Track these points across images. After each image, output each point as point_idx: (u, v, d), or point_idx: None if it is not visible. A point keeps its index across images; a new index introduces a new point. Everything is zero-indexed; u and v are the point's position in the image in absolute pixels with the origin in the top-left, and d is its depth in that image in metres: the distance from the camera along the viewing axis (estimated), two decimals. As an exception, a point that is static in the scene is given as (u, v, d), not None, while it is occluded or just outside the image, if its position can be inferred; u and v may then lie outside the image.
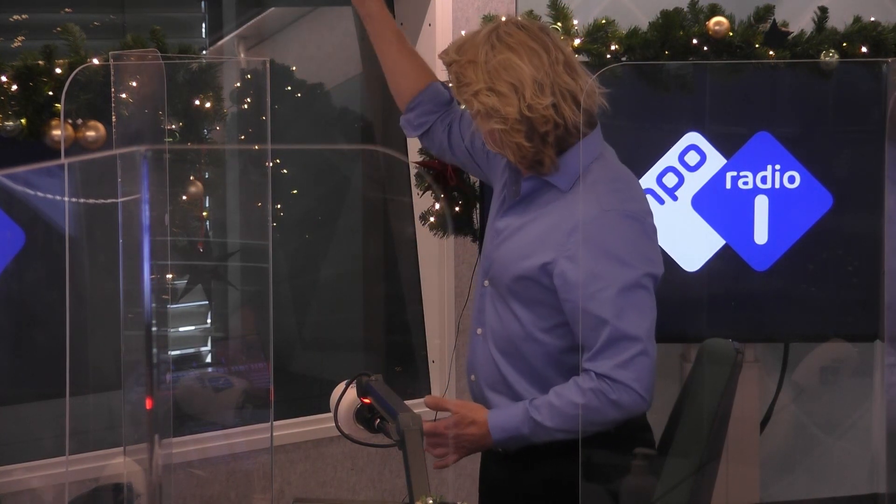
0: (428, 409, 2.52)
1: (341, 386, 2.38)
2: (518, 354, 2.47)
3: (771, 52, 3.32)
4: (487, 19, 3.37)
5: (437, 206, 3.43)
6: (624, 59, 3.29)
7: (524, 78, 2.35)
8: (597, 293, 2.33)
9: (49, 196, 2.06)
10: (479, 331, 2.55)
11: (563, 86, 2.37)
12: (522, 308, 2.45)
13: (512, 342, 2.47)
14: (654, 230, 2.46)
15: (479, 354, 2.55)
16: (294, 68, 3.78)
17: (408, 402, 2.18)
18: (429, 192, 3.48)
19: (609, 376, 2.33)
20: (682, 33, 3.33)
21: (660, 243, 3.23)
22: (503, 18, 2.50)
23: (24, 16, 3.37)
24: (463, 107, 2.70)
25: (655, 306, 2.39)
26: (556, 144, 2.39)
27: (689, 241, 3.36)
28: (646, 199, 2.53)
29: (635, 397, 2.34)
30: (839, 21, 3.38)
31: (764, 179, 3.36)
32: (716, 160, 3.37)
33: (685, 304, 3.30)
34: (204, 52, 3.60)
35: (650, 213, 2.47)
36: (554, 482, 2.43)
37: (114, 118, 2.42)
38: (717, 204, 3.36)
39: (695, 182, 3.37)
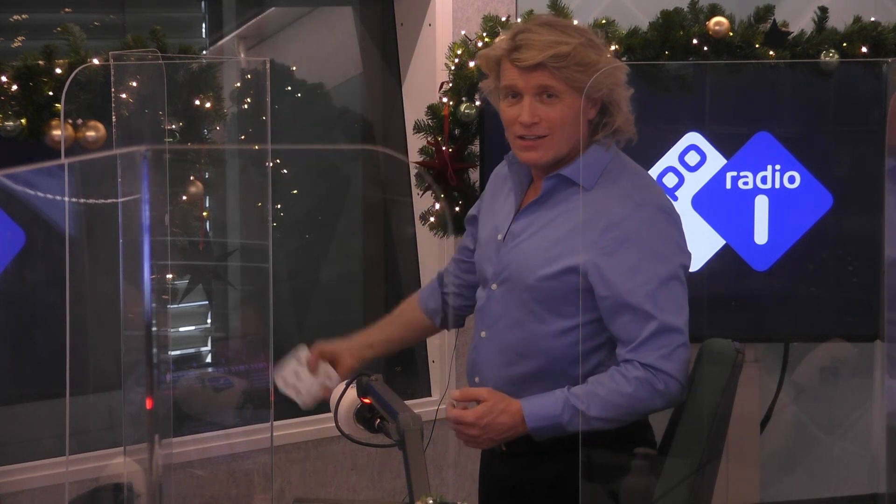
0: (457, 402, 2.49)
1: (341, 386, 2.38)
2: (536, 354, 2.47)
3: (771, 53, 3.32)
4: (488, 20, 3.37)
5: (438, 206, 3.43)
6: (624, 59, 3.29)
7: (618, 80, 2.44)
8: (639, 287, 2.37)
9: (49, 196, 2.05)
10: (482, 334, 2.55)
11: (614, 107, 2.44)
12: (544, 309, 2.45)
13: (532, 343, 2.47)
14: (680, 220, 2.51)
15: (483, 357, 2.55)
16: (294, 68, 3.78)
17: (408, 402, 2.18)
18: (429, 193, 3.48)
19: (655, 366, 2.36)
20: (682, 33, 3.33)
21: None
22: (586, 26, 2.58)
23: (24, 16, 3.37)
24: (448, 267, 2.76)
25: (688, 298, 2.44)
26: (585, 136, 2.44)
27: (690, 242, 3.35)
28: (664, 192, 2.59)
29: (678, 387, 2.39)
30: (839, 21, 3.38)
31: (764, 179, 3.36)
32: (716, 160, 3.37)
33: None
34: (204, 52, 3.60)
35: (674, 205, 2.52)
36: (557, 480, 2.43)
37: (114, 118, 2.42)
38: (717, 204, 3.36)
39: (695, 182, 3.37)
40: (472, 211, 2.72)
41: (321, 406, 2.53)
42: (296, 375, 2.57)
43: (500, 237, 2.53)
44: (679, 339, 2.38)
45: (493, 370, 2.52)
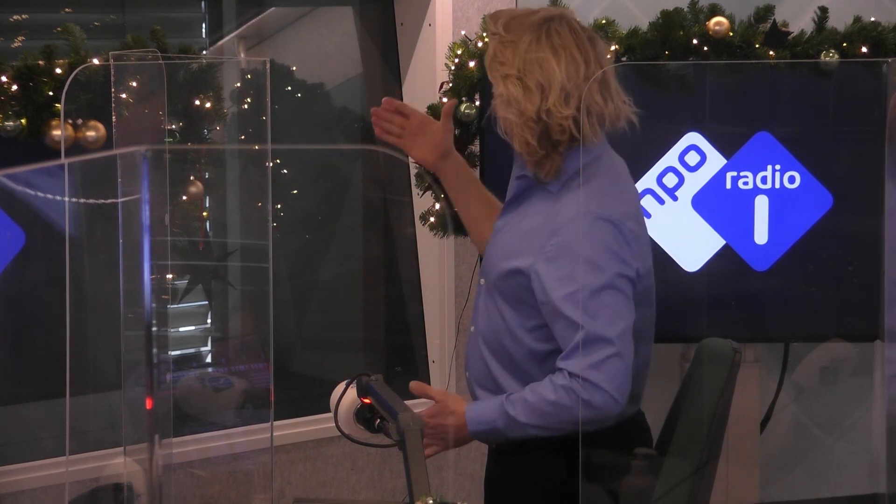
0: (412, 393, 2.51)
1: (341, 386, 2.38)
2: (503, 352, 2.48)
3: (771, 53, 3.32)
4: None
5: (437, 206, 3.42)
6: (624, 59, 3.29)
7: (554, 82, 2.34)
8: (571, 295, 2.34)
9: (49, 196, 2.05)
10: (472, 328, 2.57)
11: (592, 104, 2.36)
12: (507, 306, 2.46)
13: (498, 339, 2.48)
14: (632, 233, 2.41)
15: (471, 351, 2.56)
16: (294, 68, 3.78)
17: (408, 403, 2.18)
18: (429, 193, 3.48)
19: (580, 376, 2.33)
20: (682, 33, 3.32)
21: (660, 243, 3.24)
22: (561, 12, 2.46)
23: (24, 16, 3.37)
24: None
25: (633, 308, 2.38)
26: (564, 154, 2.39)
27: (689, 242, 3.36)
28: (634, 202, 2.51)
29: (607, 398, 2.33)
30: (839, 21, 3.38)
31: (764, 179, 3.36)
32: (716, 160, 3.37)
33: (685, 304, 3.30)
34: (204, 52, 3.60)
35: (633, 217, 2.44)
36: (545, 478, 2.43)
37: (114, 118, 2.42)
38: (717, 204, 3.36)
39: (695, 182, 3.37)
40: None
41: (321, 406, 2.53)
42: None
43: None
44: (609, 349, 2.32)
45: (477, 365, 2.54)
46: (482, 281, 2.55)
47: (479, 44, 3.33)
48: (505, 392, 2.45)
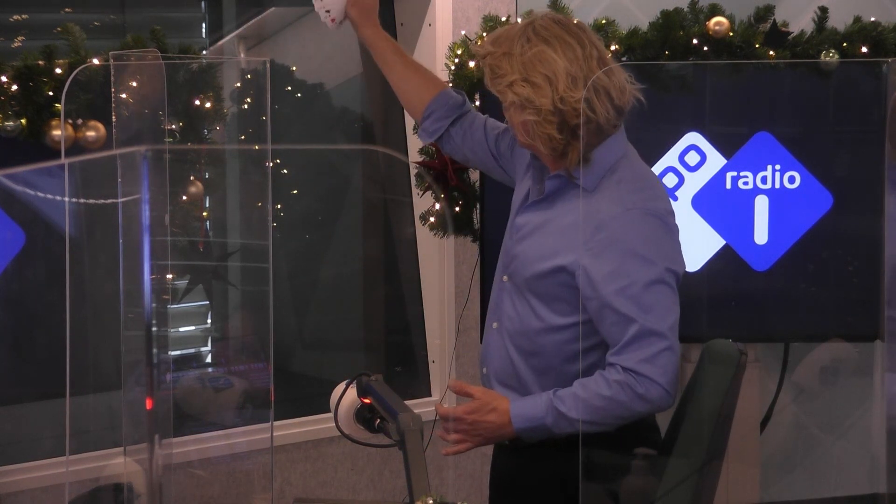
0: (449, 392, 2.53)
1: (341, 386, 2.38)
2: (533, 350, 2.48)
3: (771, 53, 3.32)
4: (488, 20, 3.37)
5: (438, 206, 3.42)
6: (624, 59, 3.29)
7: (558, 70, 2.38)
8: (622, 290, 2.36)
9: (49, 196, 2.05)
10: (494, 325, 2.57)
11: (597, 82, 2.39)
12: (541, 304, 2.47)
13: (528, 337, 2.49)
14: (676, 229, 2.48)
15: (492, 348, 2.57)
16: (294, 68, 3.78)
17: (408, 402, 2.18)
18: (429, 193, 3.48)
19: (635, 370, 2.35)
20: (682, 33, 3.32)
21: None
22: (539, 14, 2.52)
23: (24, 16, 3.37)
24: (480, 114, 2.77)
25: (678, 303, 2.41)
26: (588, 138, 2.41)
27: (690, 242, 3.33)
28: (668, 198, 2.55)
29: (661, 392, 2.36)
30: (839, 21, 3.38)
31: (764, 179, 3.36)
32: (716, 160, 3.37)
33: (685, 304, 3.28)
34: (204, 52, 3.60)
35: (672, 213, 2.49)
36: (562, 476, 2.43)
37: (114, 118, 2.41)
38: (717, 204, 3.36)
39: (695, 182, 3.37)
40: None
41: (321, 406, 2.53)
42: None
43: (510, 229, 2.56)
44: (662, 343, 2.36)
45: (500, 362, 2.54)
46: (505, 278, 2.56)
47: (479, 43, 3.33)
48: (529, 390, 2.46)
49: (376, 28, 2.79)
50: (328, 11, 2.75)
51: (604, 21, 3.32)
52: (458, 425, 2.44)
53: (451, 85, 3.36)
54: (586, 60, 2.39)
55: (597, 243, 2.38)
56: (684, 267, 2.47)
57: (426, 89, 2.79)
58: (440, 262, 3.75)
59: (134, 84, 2.45)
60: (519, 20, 3.36)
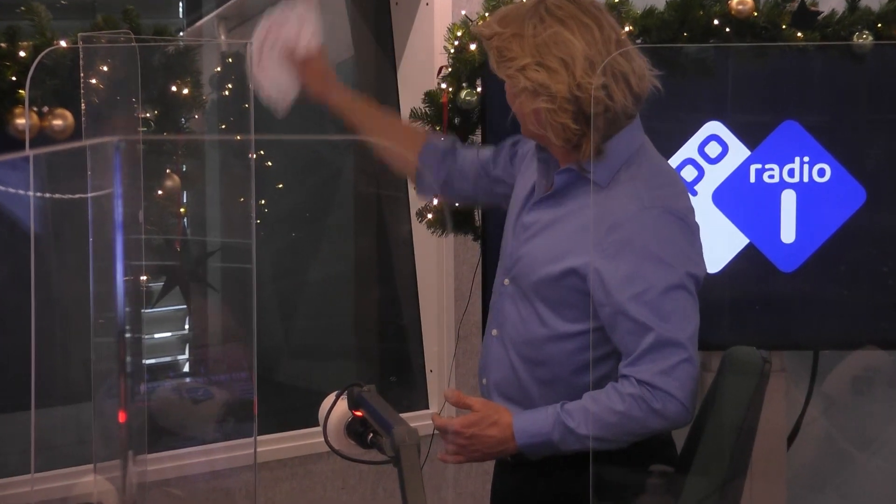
0: (448, 404, 2.53)
1: (331, 397, 2.38)
2: (538, 360, 2.47)
3: (799, 34, 3.33)
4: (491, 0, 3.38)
5: (435, 201, 3.43)
6: (639, 41, 3.29)
7: (576, 54, 2.35)
8: (638, 296, 2.34)
9: (12, 190, 2.05)
10: (494, 332, 2.56)
11: (616, 66, 2.37)
12: (548, 310, 2.45)
13: (533, 346, 2.48)
14: (697, 228, 2.46)
15: (493, 357, 2.56)
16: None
17: (404, 415, 2.18)
18: (426, 187, 3.48)
19: (651, 383, 2.33)
20: (701, 14, 3.33)
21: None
22: None
23: (-15, -6, 3.37)
24: (471, 150, 2.78)
25: (698, 310, 2.40)
26: (603, 128, 2.40)
27: (710, 240, 3.32)
28: (688, 195, 2.53)
29: (679, 407, 2.34)
30: (873, 0, 3.38)
31: (791, 172, 3.36)
32: (739, 152, 3.37)
33: (706, 308, 3.27)
34: (181, 33, 3.60)
35: (693, 211, 2.47)
36: (569, 495, 2.43)
37: (83, 106, 2.41)
38: (740, 199, 3.37)
39: (716, 175, 3.37)
40: (512, 141, 2.71)
41: (309, 419, 2.53)
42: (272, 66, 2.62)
43: (515, 228, 2.55)
44: (681, 353, 2.33)
45: (500, 372, 2.53)
46: (507, 282, 2.54)
47: (483, 23, 3.33)
48: (533, 402, 2.45)
49: (340, 92, 2.77)
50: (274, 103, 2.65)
51: (617, 0, 3.32)
52: (456, 439, 2.43)
53: (449, 69, 3.36)
54: (605, 43, 2.37)
55: (611, 244, 2.37)
56: (705, 270, 2.46)
57: (410, 144, 2.80)
58: (438, 262, 3.75)
59: (105, 68, 2.45)
60: (523, -1, 3.37)
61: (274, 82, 2.60)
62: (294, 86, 2.62)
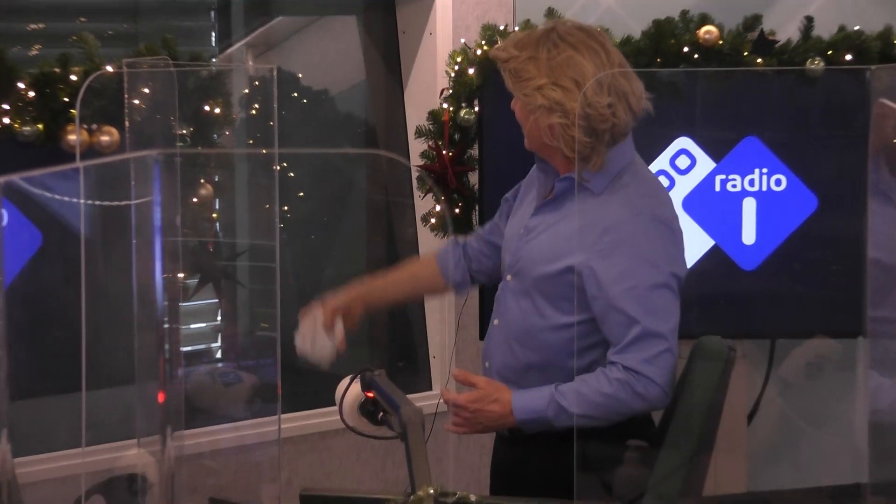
0: (456, 382, 2.54)
1: (346, 380, 2.37)
2: (535, 346, 2.48)
3: (759, 60, 3.32)
4: (486, 29, 3.37)
5: (438, 207, 3.42)
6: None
7: (587, 75, 2.37)
8: (628, 291, 2.35)
9: (65, 198, 2.05)
10: (496, 322, 2.57)
11: (619, 87, 2.38)
12: (546, 303, 2.46)
13: (531, 334, 2.48)
14: (680, 233, 2.48)
15: (494, 344, 2.57)
16: (300, 75, 3.78)
17: (410, 396, 2.18)
18: (430, 195, 3.48)
19: (636, 370, 2.34)
20: (673, 42, 3.32)
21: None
22: (558, 20, 2.54)
23: (40, 25, 3.37)
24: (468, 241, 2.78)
25: (679, 306, 2.40)
26: (608, 143, 2.41)
27: (680, 242, 3.36)
28: (672, 204, 2.54)
29: (659, 392, 2.36)
30: (824, 30, 3.38)
31: (752, 182, 3.36)
32: (705, 164, 3.37)
33: (676, 302, 3.30)
34: (213, 59, 3.60)
35: (677, 218, 2.49)
36: (560, 466, 2.43)
37: (127, 123, 2.41)
38: (706, 206, 3.36)
39: (685, 185, 3.36)
40: (507, 195, 2.72)
41: (327, 400, 2.53)
42: (312, 338, 2.61)
43: (521, 231, 2.54)
44: (663, 344, 2.35)
45: (501, 357, 2.53)
46: (509, 278, 2.55)
47: (479, 52, 3.33)
48: (528, 383, 2.45)
49: (368, 304, 2.80)
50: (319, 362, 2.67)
51: (600, 29, 3.31)
52: (461, 412, 2.44)
53: (450, 90, 3.36)
54: (610, 66, 2.39)
55: (605, 245, 2.37)
56: (686, 271, 2.47)
57: (430, 276, 2.82)
58: (440, 261, 3.74)
59: (146, 90, 2.45)
60: (516, 29, 3.37)
61: (318, 349, 2.64)
62: (333, 347, 2.65)
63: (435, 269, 2.80)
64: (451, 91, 3.36)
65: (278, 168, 2.50)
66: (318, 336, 2.62)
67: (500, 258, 2.69)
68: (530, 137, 2.48)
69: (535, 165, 2.60)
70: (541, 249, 2.48)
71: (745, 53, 3.32)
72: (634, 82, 2.42)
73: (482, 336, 3.20)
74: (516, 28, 3.40)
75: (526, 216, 2.56)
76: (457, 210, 3.37)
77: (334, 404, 2.39)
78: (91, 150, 2.82)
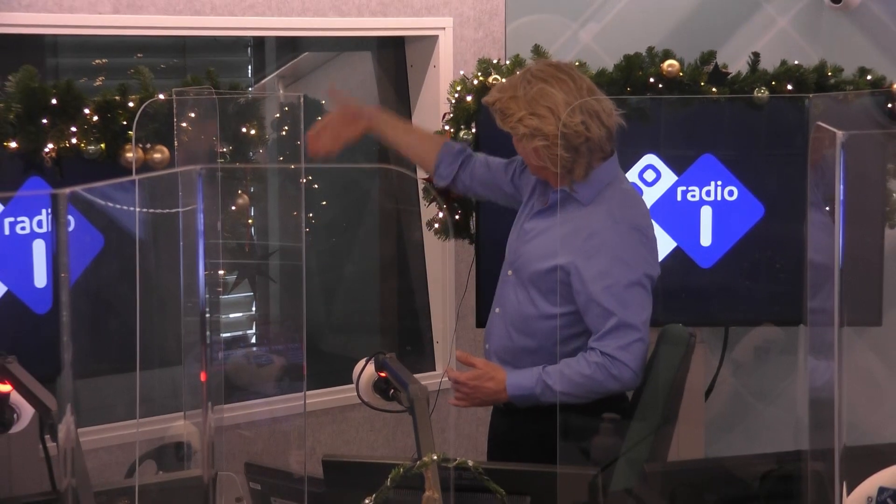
0: (459, 362, 2.54)
1: (362, 362, 2.36)
2: (530, 332, 2.48)
3: (714, 89, 3.31)
4: (482, 62, 3.37)
5: (441, 214, 3.41)
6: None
7: (558, 101, 2.38)
8: (607, 288, 2.36)
9: (123, 207, 2.04)
10: (496, 310, 2.57)
11: (590, 107, 2.38)
12: (539, 295, 2.47)
13: (527, 322, 2.48)
14: (654, 240, 2.49)
15: (494, 328, 2.57)
16: (323, 102, 3.77)
17: (416, 376, 2.16)
18: (434, 203, 3.47)
19: (612, 355, 2.35)
20: (641, 73, 3.32)
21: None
22: (533, 62, 2.57)
23: (104, 60, 3.37)
24: (478, 155, 2.77)
25: (651, 302, 2.40)
26: (587, 155, 2.39)
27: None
28: (649, 215, 2.55)
29: (631, 374, 2.37)
30: (769, 64, 3.38)
31: (708, 193, 3.35)
32: (669, 177, 3.36)
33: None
34: (250, 88, 3.59)
35: (651, 227, 2.51)
36: (546, 435, 2.42)
37: (176, 143, 2.41)
38: (669, 213, 3.35)
39: (651, 195, 3.35)
40: (516, 159, 2.67)
41: (346, 379, 2.52)
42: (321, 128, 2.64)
43: (520, 232, 2.55)
44: (636, 334, 2.36)
45: (499, 341, 2.54)
46: (510, 273, 2.55)
47: (475, 82, 3.32)
48: (522, 364, 2.45)
49: (388, 122, 2.79)
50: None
51: (577, 63, 3.30)
52: (462, 388, 2.45)
53: (451, 115, 3.35)
54: (578, 91, 2.40)
55: (590, 247, 2.38)
56: (659, 272, 2.47)
57: (431, 148, 2.79)
58: (443, 260, 3.73)
59: (192, 115, 2.44)
60: (507, 62, 3.36)
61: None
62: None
63: (434, 154, 2.77)
64: (451, 115, 3.35)
65: (304, 181, 2.50)
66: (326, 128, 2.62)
67: (482, 188, 2.72)
68: (527, 163, 2.51)
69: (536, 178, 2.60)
70: (535, 250, 2.48)
71: (702, 83, 3.32)
72: (603, 102, 2.43)
73: (479, 324, 3.19)
74: (507, 62, 3.39)
75: (525, 220, 2.56)
76: (457, 216, 3.36)
77: (352, 383, 2.38)
78: (145, 166, 2.81)
